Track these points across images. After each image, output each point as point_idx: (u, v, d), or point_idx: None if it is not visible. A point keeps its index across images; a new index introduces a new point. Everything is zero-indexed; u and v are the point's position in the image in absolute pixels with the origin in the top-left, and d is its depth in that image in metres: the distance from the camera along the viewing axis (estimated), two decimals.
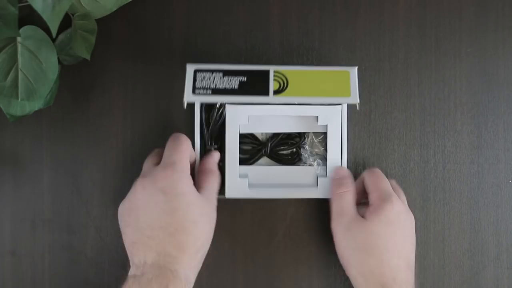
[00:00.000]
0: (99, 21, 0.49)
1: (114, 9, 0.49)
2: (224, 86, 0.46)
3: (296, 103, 0.47)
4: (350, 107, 0.50)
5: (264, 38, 0.54)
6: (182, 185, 0.43)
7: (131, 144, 0.53)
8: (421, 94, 0.54)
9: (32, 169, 0.53)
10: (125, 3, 0.49)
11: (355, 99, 0.47)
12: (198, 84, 0.46)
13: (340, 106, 0.50)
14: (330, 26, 0.54)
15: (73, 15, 0.47)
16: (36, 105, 0.47)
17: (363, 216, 0.46)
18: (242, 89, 0.46)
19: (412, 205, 0.53)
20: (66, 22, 0.46)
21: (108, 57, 0.53)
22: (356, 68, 0.47)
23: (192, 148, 0.47)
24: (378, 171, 0.49)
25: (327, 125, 0.50)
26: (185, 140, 0.46)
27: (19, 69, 0.44)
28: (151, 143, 0.53)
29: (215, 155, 0.49)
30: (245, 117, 0.49)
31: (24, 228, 0.53)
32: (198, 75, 0.46)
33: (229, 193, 0.49)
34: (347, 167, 0.51)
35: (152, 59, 0.54)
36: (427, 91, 0.54)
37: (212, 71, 0.46)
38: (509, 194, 0.54)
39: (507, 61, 0.54)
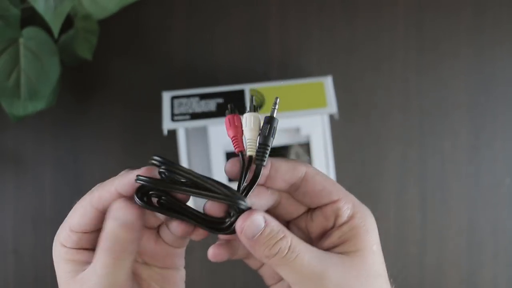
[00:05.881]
0: (101, 22, 0.49)
1: (116, 10, 0.49)
2: (202, 110, 0.46)
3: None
4: (339, 112, 0.51)
5: (264, 38, 0.54)
6: (54, 257, 0.27)
7: (132, 144, 0.54)
8: (420, 94, 0.54)
9: (34, 169, 0.54)
10: (126, 4, 0.50)
11: (331, 109, 0.46)
12: (176, 111, 0.46)
13: (321, 115, 0.50)
14: (329, 26, 0.54)
15: (75, 16, 0.48)
16: (39, 105, 0.47)
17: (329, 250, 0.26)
18: (220, 111, 0.46)
19: (410, 205, 0.53)
20: (68, 23, 0.47)
21: (109, 58, 0.54)
22: (330, 78, 0.47)
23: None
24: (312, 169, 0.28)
25: (309, 136, 0.50)
26: (121, 178, 0.27)
27: (21, 70, 0.44)
28: (151, 143, 0.53)
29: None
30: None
31: (26, 227, 0.53)
32: (175, 101, 0.47)
33: None
34: (335, 174, 0.50)
35: (153, 59, 0.54)
36: (426, 91, 0.54)
37: (189, 96, 0.47)
38: (506, 193, 0.54)
39: (504, 62, 0.55)
